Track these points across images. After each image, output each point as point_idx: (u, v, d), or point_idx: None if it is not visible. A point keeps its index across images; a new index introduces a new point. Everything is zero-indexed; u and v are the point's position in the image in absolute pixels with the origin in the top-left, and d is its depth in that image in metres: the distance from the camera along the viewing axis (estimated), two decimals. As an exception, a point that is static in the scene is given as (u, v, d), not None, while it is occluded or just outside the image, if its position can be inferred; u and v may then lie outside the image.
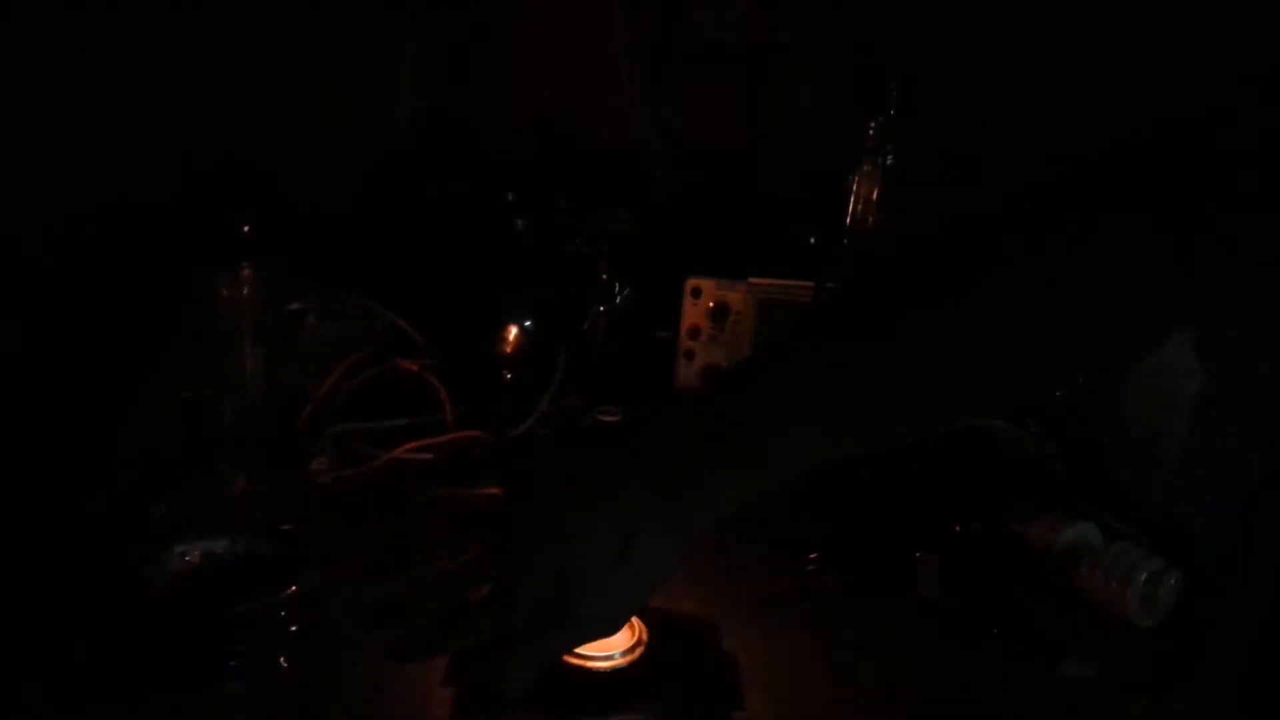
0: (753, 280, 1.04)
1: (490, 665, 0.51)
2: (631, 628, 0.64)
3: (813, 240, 1.09)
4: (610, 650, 0.62)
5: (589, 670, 0.61)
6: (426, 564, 0.54)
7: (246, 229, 0.88)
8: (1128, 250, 0.42)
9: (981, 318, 0.44)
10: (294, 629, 0.65)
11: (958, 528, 0.80)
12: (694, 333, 1.05)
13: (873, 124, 1.04)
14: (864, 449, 0.50)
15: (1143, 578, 0.72)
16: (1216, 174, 0.41)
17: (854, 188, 1.05)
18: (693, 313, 1.05)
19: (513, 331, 1.05)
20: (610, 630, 0.55)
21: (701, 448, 0.48)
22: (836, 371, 0.47)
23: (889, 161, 1.04)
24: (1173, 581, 0.72)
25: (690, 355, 1.06)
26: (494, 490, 0.78)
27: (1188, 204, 0.41)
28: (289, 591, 0.63)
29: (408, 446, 0.93)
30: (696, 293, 1.05)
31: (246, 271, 0.88)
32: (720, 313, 1.04)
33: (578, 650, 0.62)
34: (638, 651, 0.63)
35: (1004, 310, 0.44)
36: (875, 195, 1.05)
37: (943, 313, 0.45)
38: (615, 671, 0.62)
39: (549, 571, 0.49)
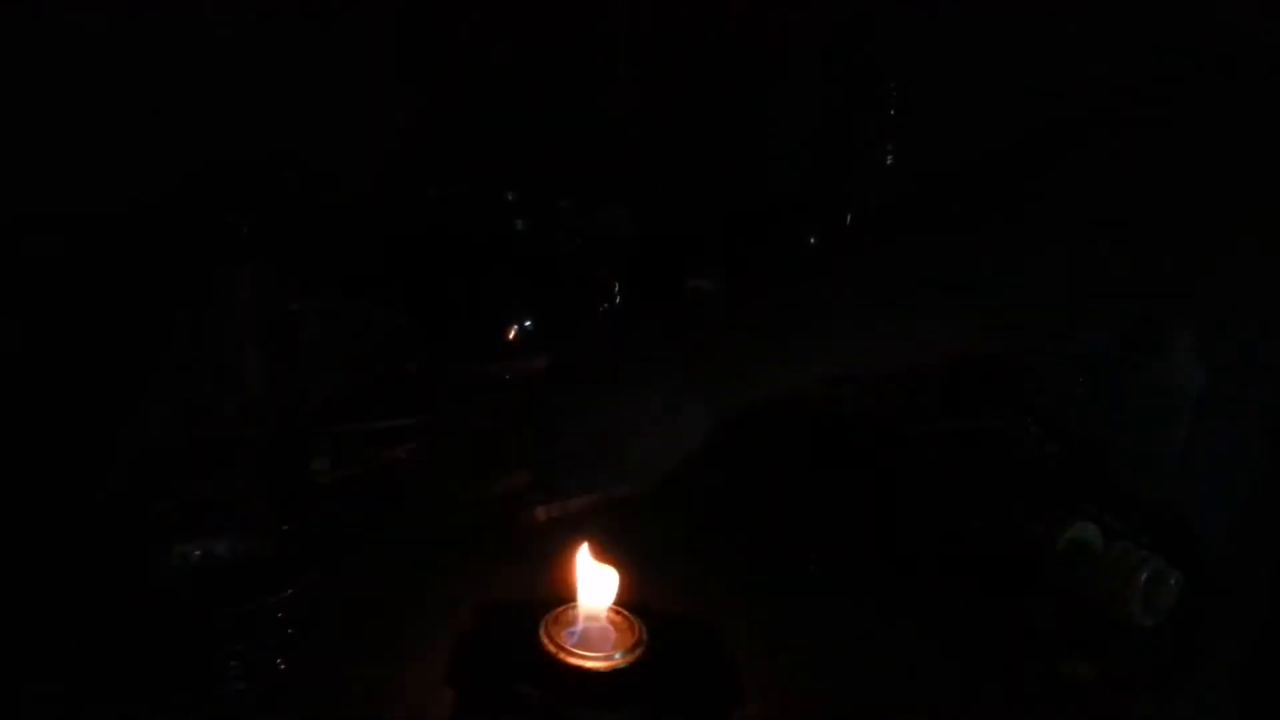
0: (753, 280, 1.04)
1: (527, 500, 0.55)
2: (632, 628, 0.64)
3: (813, 240, 1.09)
4: (610, 650, 0.62)
5: (589, 670, 0.61)
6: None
7: (246, 229, 0.88)
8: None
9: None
10: (293, 629, 0.65)
11: (957, 528, 0.80)
12: (694, 333, 1.05)
13: (873, 124, 1.04)
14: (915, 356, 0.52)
15: (1143, 578, 0.72)
16: None
17: (854, 188, 1.05)
18: (693, 313, 1.05)
19: (513, 331, 1.05)
20: (643, 484, 0.58)
21: (749, 338, 0.51)
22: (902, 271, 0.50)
23: (889, 161, 1.04)
24: (1173, 581, 0.72)
25: (690, 355, 1.05)
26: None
27: None
28: (289, 591, 0.63)
29: (408, 446, 0.93)
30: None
31: (246, 271, 0.88)
32: (720, 313, 1.04)
33: (577, 650, 0.62)
34: (638, 651, 0.63)
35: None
36: (875, 195, 1.05)
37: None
38: (615, 671, 0.62)
39: (593, 428, 0.52)
